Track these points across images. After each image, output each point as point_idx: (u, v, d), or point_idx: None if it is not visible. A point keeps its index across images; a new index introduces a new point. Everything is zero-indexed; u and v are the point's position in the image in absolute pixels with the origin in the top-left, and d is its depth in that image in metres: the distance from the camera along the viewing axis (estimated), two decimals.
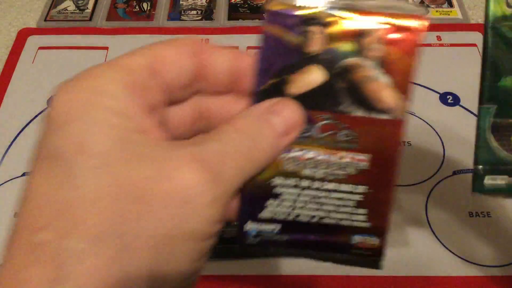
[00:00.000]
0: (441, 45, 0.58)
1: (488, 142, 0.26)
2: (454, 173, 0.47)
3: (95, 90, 0.19)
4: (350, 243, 0.23)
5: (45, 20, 0.61)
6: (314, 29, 0.22)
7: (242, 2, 0.63)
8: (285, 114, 0.22)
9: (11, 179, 0.47)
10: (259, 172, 0.22)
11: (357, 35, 0.22)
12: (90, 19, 0.61)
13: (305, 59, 0.22)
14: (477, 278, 0.40)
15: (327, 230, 0.23)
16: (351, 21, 0.22)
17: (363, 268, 0.24)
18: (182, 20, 0.61)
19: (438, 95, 0.53)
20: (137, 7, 0.63)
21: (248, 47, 0.56)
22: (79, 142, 0.18)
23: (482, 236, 0.42)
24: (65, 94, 0.19)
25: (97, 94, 0.19)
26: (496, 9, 0.24)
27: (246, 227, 0.23)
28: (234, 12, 0.62)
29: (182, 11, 0.62)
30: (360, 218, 0.23)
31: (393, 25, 0.22)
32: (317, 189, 0.23)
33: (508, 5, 0.24)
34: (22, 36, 0.59)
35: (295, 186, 0.23)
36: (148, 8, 0.63)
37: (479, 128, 0.26)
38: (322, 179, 0.23)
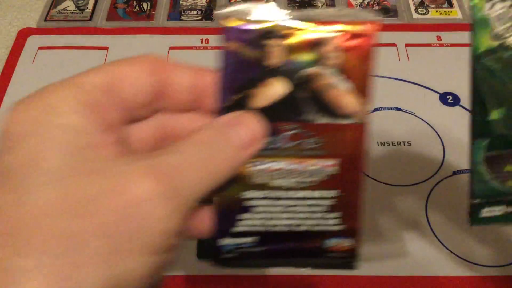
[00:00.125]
0: (441, 45, 0.58)
1: (483, 176, 0.26)
2: (454, 173, 0.47)
3: (47, 108, 0.19)
4: (325, 247, 0.24)
5: (45, 20, 0.61)
6: (272, 42, 0.22)
7: (242, 2, 0.63)
8: (246, 127, 0.22)
9: None
10: (220, 185, 0.22)
11: (315, 45, 0.22)
12: (90, 19, 0.61)
13: (266, 73, 0.23)
14: (477, 278, 0.40)
15: (302, 237, 0.24)
16: (307, 32, 0.22)
17: (339, 269, 0.24)
18: (182, 20, 0.61)
19: (438, 95, 0.53)
20: (137, 7, 0.63)
21: None
22: (30, 159, 0.18)
23: (482, 236, 0.43)
24: (18, 112, 0.19)
25: (50, 112, 0.19)
26: (482, 43, 0.24)
27: (221, 242, 0.23)
28: None
29: (182, 11, 0.62)
30: (333, 221, 0.23)
31: (348, 32, 0.22)
32: (289, 198, 0.23)
33: (495, 37, 0.24)
34: (22, 36, 0.59)
35: (267, 198, 0.23)
36: (148, 8, 0.63)
37: (473, 163, 0.26)
38: (293, 188, 0.23)
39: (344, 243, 0.24)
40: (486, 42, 0.24)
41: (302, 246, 0.24)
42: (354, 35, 0.22)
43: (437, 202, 0.45)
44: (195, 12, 0.62)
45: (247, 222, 0.23)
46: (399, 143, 0.49)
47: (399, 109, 0.52)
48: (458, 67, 0.55)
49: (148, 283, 0.19)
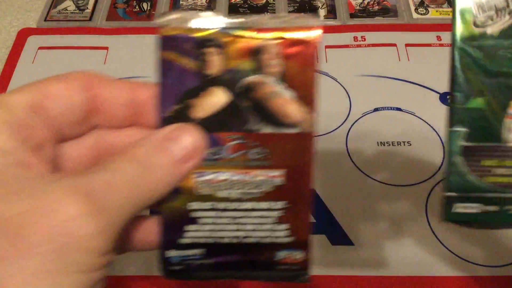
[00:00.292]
0: (441, 45, 0.58)
1: (458, 167, 0.25)
2: None
3: None
4: (275, 260, 0.23)
5: (45, 20, 0.61)
6: (212, 50, 0.22)
7: (242, 2, 0.63)
8: (184, 141, 0.22)
9: None
10: (162, 198, 0.21)
11: (255, 53, 0.22)
12: (90, 19, 0.61)
13: (206, 82, 0.22)
14: (477, 278, 0.40)
15: (250, 249, 0.23)
16: (247, 39, 0.22)
17: (290, 283, 0.24)
18: None
19: (438, 95, 0.53)
20: (137, 7, 0.63)
21: None
22: None
23: (482, 236, 0.42)
24: None
25: None
26: (463, 29, 0.24)
27: (168, 254, 0.23)
28: (234, 12, 0.62)
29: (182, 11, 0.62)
30: (281, 233, 0.23)
31: (288, 39, 0.22)
32: (235, 209, 0.23)
33: (475, 25, 0.24)
34: (22, 36, 0.59)
35: (212, 209, 0.23)
36: (148, 8, 0.63)
37: (449, 152, 0.25)
38: (239, 200, 0.23)
39: (295, 255, 0.23)
40: (468, 29, 0.24)
41: (253, 259, 0.23)
42: (295, 42, 0.22)
43: (437, 202, 0.45)
44: None
45: (194, 233, 0.23)
46: (399, 143, 0.49)
47: (399, 109, 0.52)
48: None
49: None
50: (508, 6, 0.23)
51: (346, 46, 0.57)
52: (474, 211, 0.25)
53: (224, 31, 0.22)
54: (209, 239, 0.23)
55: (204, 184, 0.23)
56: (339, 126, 0.50)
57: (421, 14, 0.61)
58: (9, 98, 0.20)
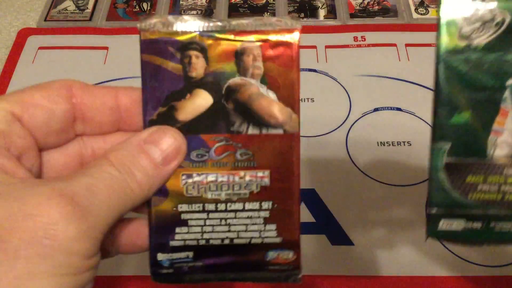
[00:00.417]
0: None
1: (442, 183, 0.24)
2: None
3: None
4: (265, 260, 0.23)
5: (45, 20, 0.61)
6: (194, 53, 0.22)
7: (242, 2, 0.63)
8: (164, 143, 0.22)
9: None
10: (143, 202, 0.22)
11: (238, 55, 0.22)
12: (90, 19, 0.61)
13: (189, 85, 0.22)
14: (477, 278, 0.40)
15: (241, 250, 0.23)
16: (229, 42, 0.22)
17: (282, 283, 0.24)
18: None
19: None
20: (137, 7, 0.63)
21: None
22: None
23: None
24: None
25: None
26: (448, 41, 0.23)
27: (159, 257, 0.23)
28: (234, 12, 0.62)
29: (182, 11, 0.62)
30: (270, 234, 0.23)
31: (270, 41, 0.22)
32: (223, 211, 0.23)
33: (461, 37, 0.23)
34: (22, 36, 0.59)
35: (201, 211, 0.23)
36: (148, 8, 0.63)
37: (431, 168, 0.24)
38: (226, 201, 0.23)
39: (285, 255, 0.23)
40: (453, 41, 0.23)
41: (243, 260, 0.23)
42: (277, 44, 0.22)
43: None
44: (195, 12, 0.62)
45: (183, 236, 0.23)
46: (399, 143, 0.49)
47: (399, 109, 0.52)
48: None
49: None
50: (494, 18, 0.23)
51: (346, 46, 0.57)
52: (458, 228, 0.24)
53: (206, 34, 0.22)
54: (199, 241, 0.23)
55: (192, 186, 0.23)
56: (339, 126, 0.50)
57: (421, 14, 0.61)
58: None
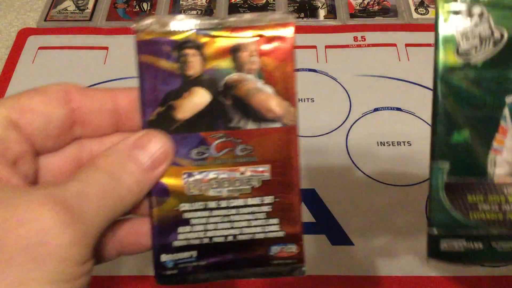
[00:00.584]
0: None
1: (442, 203, 0.24)
2: None
3: None
4: (269, 255, 0.23)
5: (45, 20, 0.61)
6: (190, 52, 0.22)
7: (242, 2, 0.63)
8: (151, 147, 0.22)
9: None
10: (131, 208, 0.22)
11: (233, 51, 0.22)
12: (90, 19, 0.61)
13: (187, 83, 0.22)
14: (477, 278, 0.40)
15: (243, 246, 0.23)
16: (224, 39, 0.22)
17: (287, 277, 0.24)
18: None
19: None
20: (137, 7, 0.63)
21: None
22: None
23: None
24: None
25: None
26: (446, 58, 0.23)
27: (162, 258, 0.23)
28: (234, 12, 0.62)
29: (182, 11, 0.62)
30: (273, 228, 0.23)
31: (265, 36, 0.22)
32: (225, 207, 0.23)
33: (459, 54, 0.23)
34: (22, 36, 0.59)
35: (203, 209, 0.23)
36: (148, 8, 0.63)
37: (431, 187, 0.24)
38: (228, 197, 0.23)
39: (289, 249, 0.23)
40: (451, 59, 0.23)
41: (247, 256, 0.23)
42: (272, 39, 0.22)
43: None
44: (195, 12, 0.62)
45: (187, 235, 0.23)
46: (399, 143, 0.49)
47: (399, 109, 0.52)
48: None
49: None
50: (492, 35, 0.23)
51: (346, 46, 0.57)
52: (460, 249, 0.24)
53: (201, 32, 0.22)
54: (202, 240, 0.23)
55: (194, 184, 0.23)
56: (339, 126, 0.50)
57: (421, 14, 0.61)
58: None
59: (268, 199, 0.23)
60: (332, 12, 0.61)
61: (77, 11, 0.62)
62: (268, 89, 0.23)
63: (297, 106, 0.23)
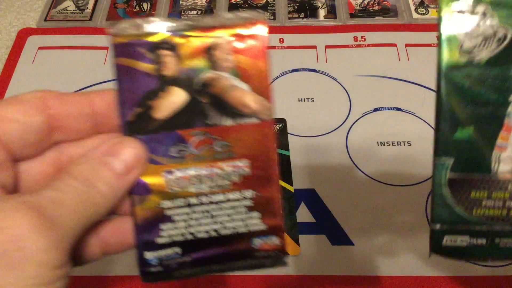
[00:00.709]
0: None
1: (445, 199, 0.24)
2: None
3: None
4: (252, 248, 0.24)
5: (45, 20, 0.61)
6: (165, 52, 0.23)
7: (242, 2, 0.63)
8: (124, 154, 0.22)
9: None
10: (107, 213, 0.22)
11: (208, 51, 0.23)
12: (90, 19, 0.61)
13: (164, 83, 0.23)
14: (477, 278, 0.40)
15: (226, 241, 0.24)
16: (199, 39, 0.23)
17: (270, 268, 0.24)
18: None
19: None
20: (137, 7, 0.63)
21: None
22: None
23: None
24: None
25: None
26: (449, 56, 0.23)
27: (146, 256, 0.23)
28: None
29: (182, 11, 0.62)
30: (255, 221, 0.24)
31: (238, 35, 0.23)
32: (207, 203, 0.23)
33: (462, 53, 0.23)
34: (22, 36, 0.59)
35: (185, 206, 0.23)
36: (148, 8, 0.63)
37: (434, 183, 0.24)
38: (209, 193, 0.23)
39: (270, 241, 0.24)
40: (454, 57, 0.23)
41: (231, 250, 0.24)
42: (242, 37, 0.23)
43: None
44: (195, 12, 0.62)
45: (169, 232, 0.23)
46: (399, 143, 0.49)
47: (399, 109, 0.52)
48: None
49: None
50: (495, 33, 0.23)
51: (346, 46, 0.57)
52: (462, 244, 0.24)
53: (176, 33, 0.23)
54: (185, 236, 0.23)
55: (174, 182, 0.23)
56: (339, 126, 0.50)
57: (421, 14, 0.61)
58: None
59: (248, 193, 0.24)
60: (332, 12, 0.61)
61: (77, 11, 0.62)
62: (244, 86, 0.23)
63: (272, 101, 0.23)
